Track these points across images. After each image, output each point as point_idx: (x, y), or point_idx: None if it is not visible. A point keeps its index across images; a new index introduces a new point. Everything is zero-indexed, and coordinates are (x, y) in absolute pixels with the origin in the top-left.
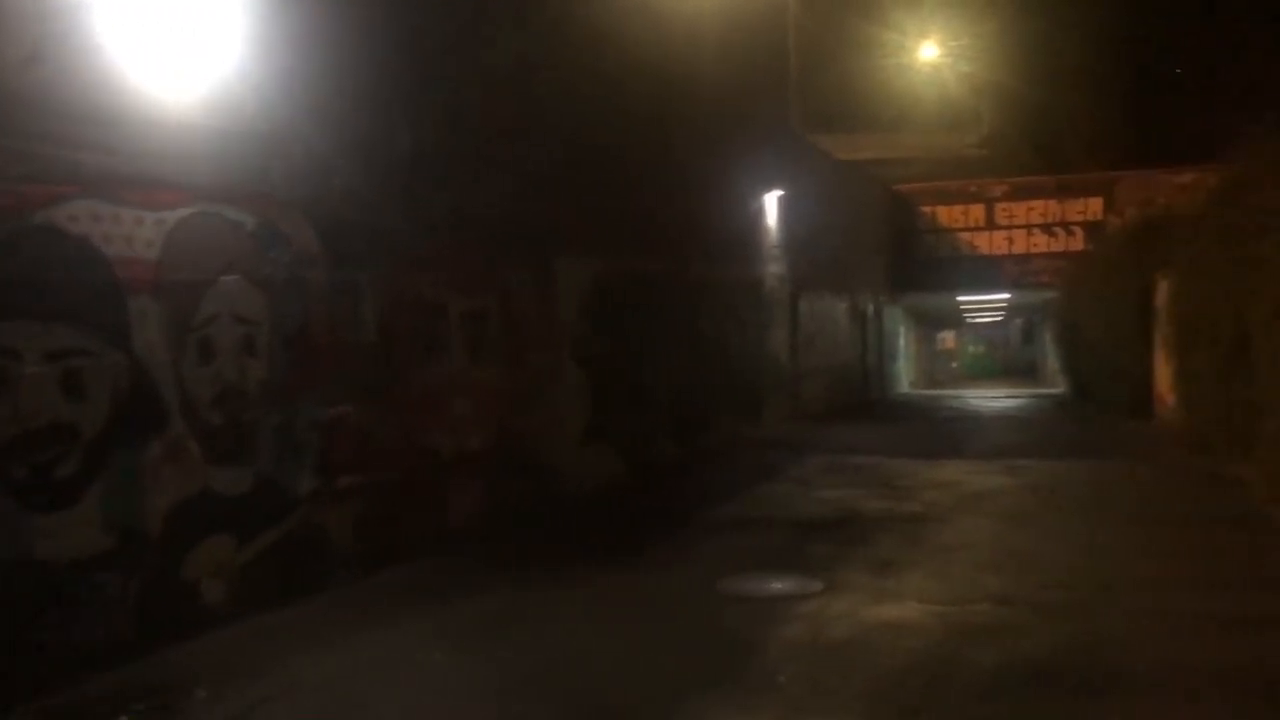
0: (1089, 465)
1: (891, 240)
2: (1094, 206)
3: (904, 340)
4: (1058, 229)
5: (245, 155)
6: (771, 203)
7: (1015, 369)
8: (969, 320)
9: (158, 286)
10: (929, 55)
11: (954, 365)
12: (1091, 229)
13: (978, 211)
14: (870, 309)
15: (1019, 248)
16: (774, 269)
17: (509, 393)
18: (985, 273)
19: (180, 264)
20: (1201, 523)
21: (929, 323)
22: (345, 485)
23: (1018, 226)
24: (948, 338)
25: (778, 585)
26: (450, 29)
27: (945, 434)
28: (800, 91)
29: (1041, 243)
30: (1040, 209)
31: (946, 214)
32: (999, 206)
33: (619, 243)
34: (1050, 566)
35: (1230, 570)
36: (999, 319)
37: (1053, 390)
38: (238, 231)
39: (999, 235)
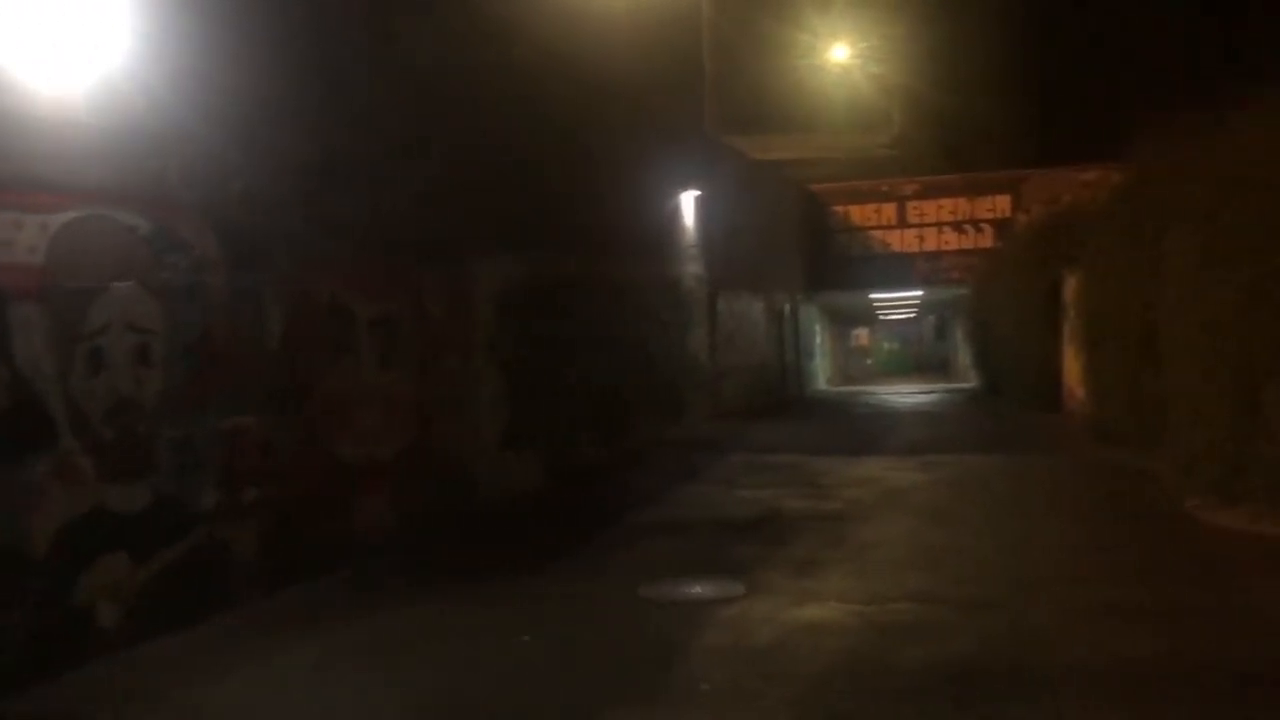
0: (1003, 459)
1: (806, 239)
2: (1002, 204)
3: (820, 338)
4: (967, 226)
5: (138, 156)
6: (688, 203)
7: (928, 365)
8: (883, 317)
9: (42, 293)
10: (839, 57)
11: (869, 362)
12: (1000, 226)
13: (889, 210)
14: (787, 307)
15: (930, 245)
16: (692, 269)
17: (422, 398)
18: (898, 270)
19: (68, 270)
20: (1115, 515)
21: (844, 320)
22: (249, 499)
23: (928, 224)
24: (862, 335)
25: (700, 589)
26: (357, 29)
27: (863, 430)
28: (715, 93)
29: (952, 240)
30: (950, 207)
31: (859, 213)
32: (910, 205)
33: (536, 244)
34: (969, 562)
35: (1145, 562)
36: (912, 316)
37: (965, 385)
38: (131, 235)
39: (910, 233)
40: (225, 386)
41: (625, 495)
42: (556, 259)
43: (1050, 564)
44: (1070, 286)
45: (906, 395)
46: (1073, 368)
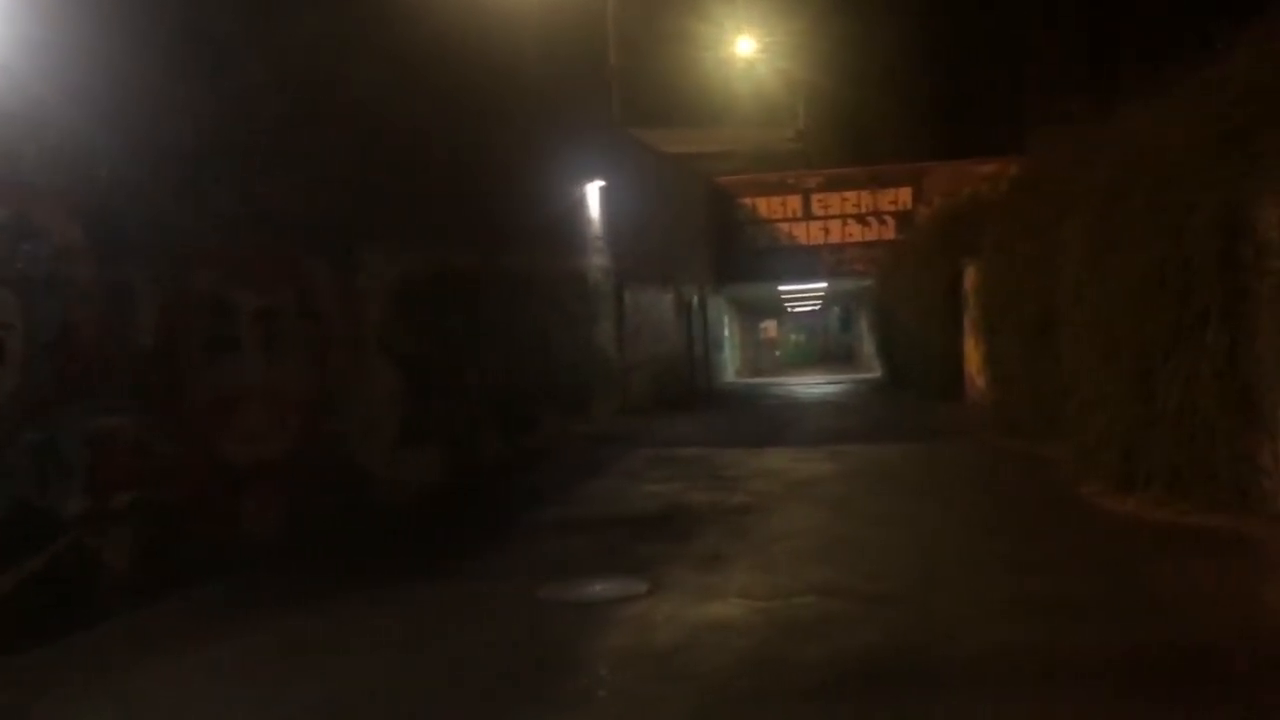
0: (906, 448)
1: (714, 232)
2: (904, 196)
3: (729, 330)
4: (871, 219)
5: None
6: (593, 194)
7: (834, 355)
8: (790, 309)
9: None
10: (745, 51)
11: (777, 353)
12: (902, 218)
13: (795, 202)
14: (695, 300)
15: (835, 237)
16: (598, 261)
17: (312, 395)
18: (804, 262)
19: None
20: (1016, 504)
21: (752, 312)
22: (121, 504)
23: (833, 217)
24: (770, 327)
25: (602, 589)
26: (239, 9)
27: (770, 421)
28: (621, 85)
29: (856, 232)
30: (854, 199)
31: (765, 205)
32: (815, 197)
33: (434, 235)
34: (873, 553)
35: (1045, 551)
36: (817, 308)
37: (870, 375)
38: None
39: (815, 225)
40: (92, 385)
41: (528, 493)
42: (456, 250)
43: (952, 554)
44: (970, 277)
45: (813, 386)
46: (974, 357)
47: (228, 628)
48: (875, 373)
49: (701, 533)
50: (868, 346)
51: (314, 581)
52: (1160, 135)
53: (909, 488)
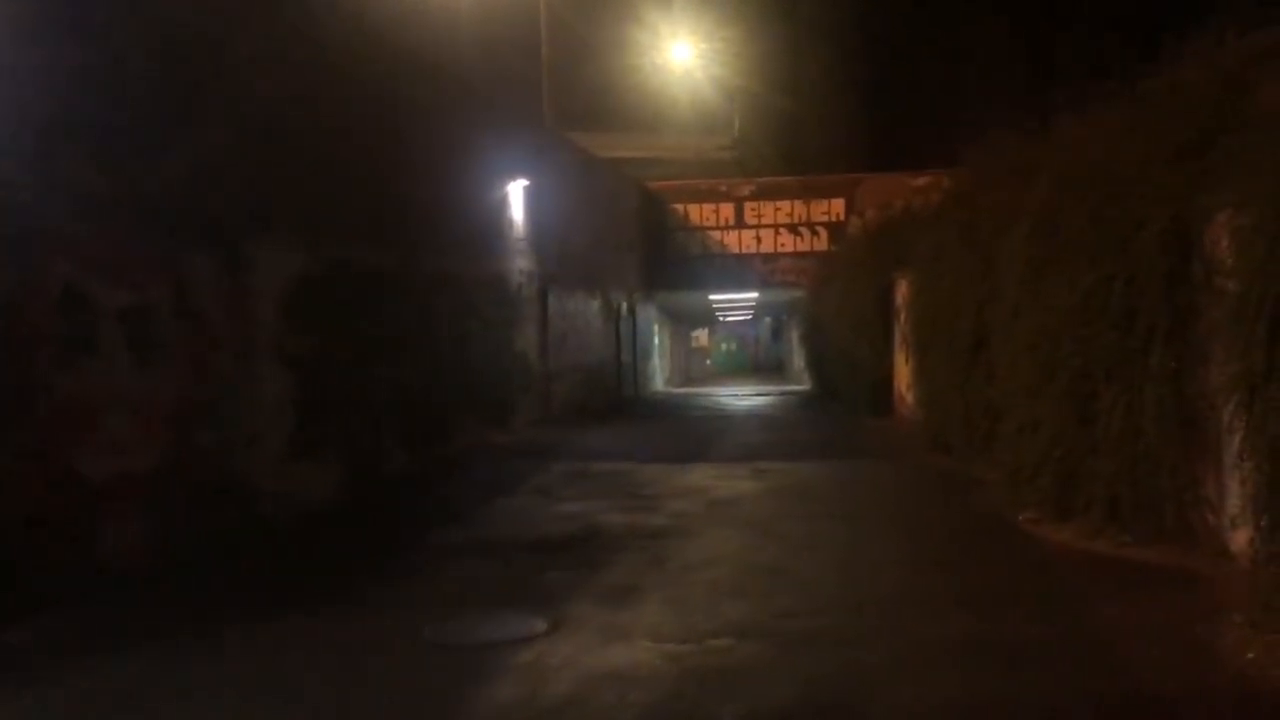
0: (834, 467)
1: (644, 238)
2: (837, 208)
3: (659, 338)
4: (803, 229)
5: None
6: (517, 194)
7: (765, 366)
8: (721, 318)
9: None
10: (681, 57)
11: (708, 362)
12: (835, 229)
13: (727, 210)
14: (624, 306)
15: (767, 247)
16: (521, 264)
17: (188, 402)
18: (736, 271)
19: None
20: (948, 530)
21: (683, 320)
22: None
23: (765, 226)
24: (701, 335)
25: (496, 629)
26: None
27: (696, 435)
28: (555, 86)
29: (788, 242)
30: (786, 209)
31: (698, 212)
32: (748, 206)
33: (340, 230)
34: (797, 586)
35: (979, 586)
36: (749, 317)
37: (800, 387)
38: None
39: (748, 234)
40: None
41: (433, 510)
42: (362, 246)
43: (881, 587)
44: (902, 290)
45: (742, 398)
46: (903, 373)
47: (64, 667)
48: (805, 385)
49: (614, 560)
50: (798, 358)
51: (173, 613)
52: (1105, 147)
53: (836, 510)
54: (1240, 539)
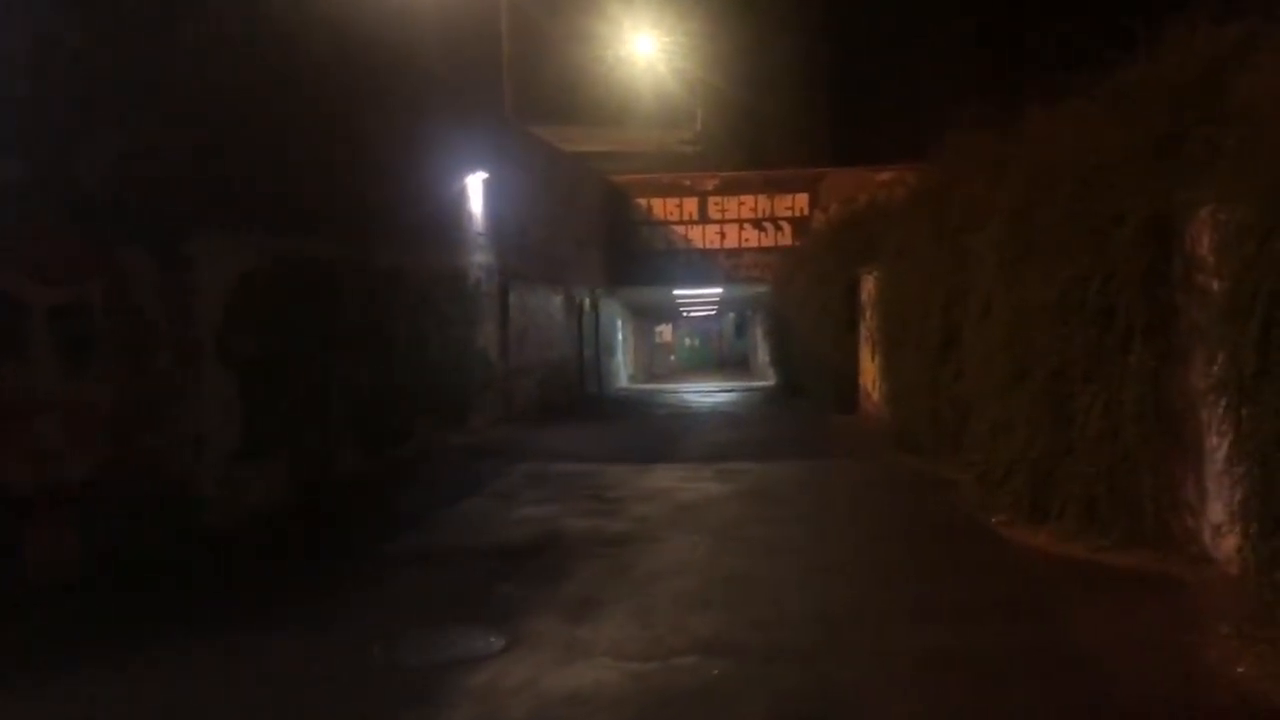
0: (801, 467)
1: (608, 232)
2: (801, 203)
3: (622, 334)
4: (767, 224)
5: None
6: (476, 187)
7: (729, 361)
8: (685, 314)
9: None
10: (644, 51)
11: (672, 358)
12: (799, 224)
13: (691, 205)
14: (587, 302)
15: (731, 242)
16: (480, 259)
17: (126, 405)
18: (700, 266)
19: None
20: (919, 533)
21: (647, 316)
22: None
23: (729, 221)
24: (665, 331)
25: (449, 646)
26: None
27: (660, 433)
28: (518, 79)
29: (752, 237)
30: (750, 204)
31: (661, 206)
32: (711, 200)
33: (287, 222)
34: (765, 596)
35: (954, 593)
36: (713, 313)
37: (764, 383)
38: None
39: (711, 229)
40: None
41: (388, 515)
42: (313, 240)
43: (851, 596)
44: (868, 286)
45: (707, 394)
46: (869, 369)
47: None
48: (770, 381)
49: (576, 569)
50: (762, 354)
51: (103, 631)
52: (1080, 140)
53: (803, 513)
54: (1224, 544)
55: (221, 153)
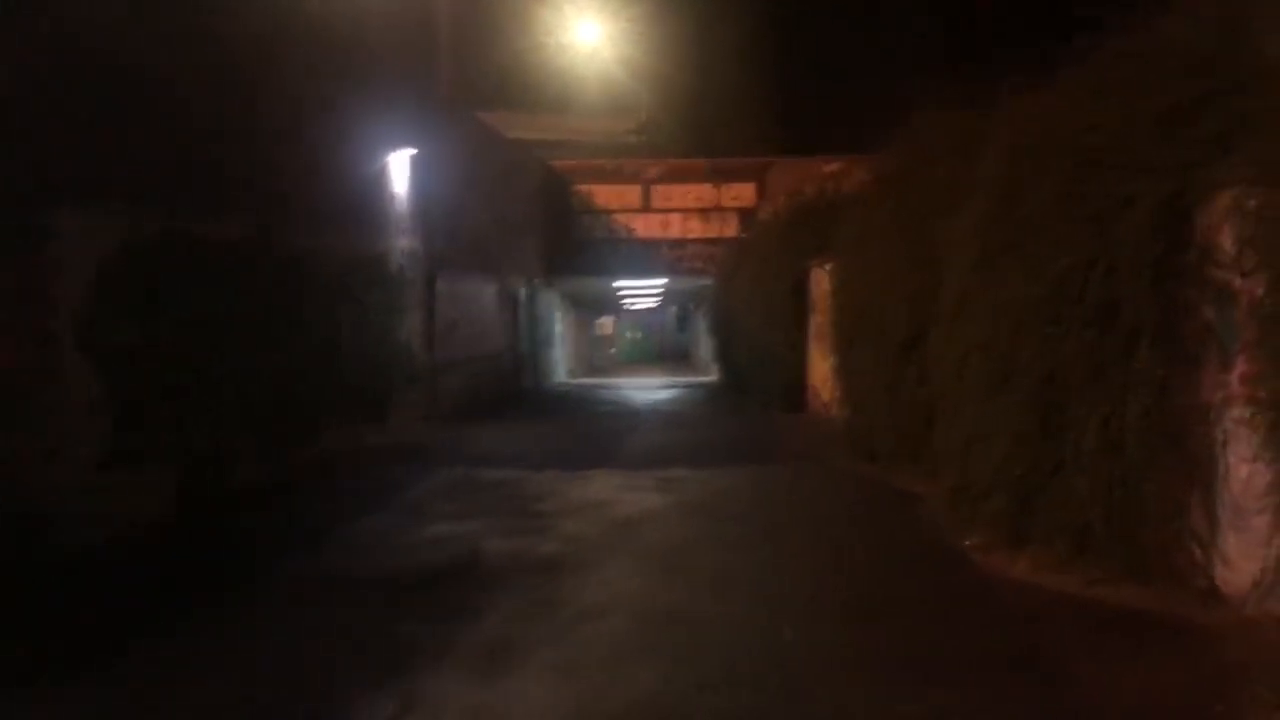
0: (749, 475)
1: (546, 219)
2: (747, 192)
3: (561, 326)
4: (713, 214)
5: None
6: (401, 165)
7: (671, 355)
8: (627, 306)
9: None
10: (588, 37)
11: (613, 351)
12: (745, 215)
13: (634, 193)
14: (523, 292)
15: (675, 232)
16: (404, 243)
17: None
18: (642, 257)
19: None
20: (885, 559)
21: (587, 308)
22: None
23: (674, 210)
24: (606, 323)
25: (325, 717)
26: None
27: (598, 434)
28: (458, 62)
29: (697, 228)
30: (695, 193)
31: (603, 194)
32: (655, 189)
33: (171, 194)
34: (715, 641)
35: (930, 637)
36: (655, 305)
37: (707, 379)
38: None
39: (655, 218)
40: None
41: (280, 533)
42: (202, 216)
43: (815, 642)
44: (818, 280)
45: (649, 390)
46: (820, 367)
47: None
48: (713, 376)
49: (492, 603)
50: (705, 348)
51: None
52: (1077, 112)
53: (754, 532)
54: (1236, 580)
55: (92, 114)
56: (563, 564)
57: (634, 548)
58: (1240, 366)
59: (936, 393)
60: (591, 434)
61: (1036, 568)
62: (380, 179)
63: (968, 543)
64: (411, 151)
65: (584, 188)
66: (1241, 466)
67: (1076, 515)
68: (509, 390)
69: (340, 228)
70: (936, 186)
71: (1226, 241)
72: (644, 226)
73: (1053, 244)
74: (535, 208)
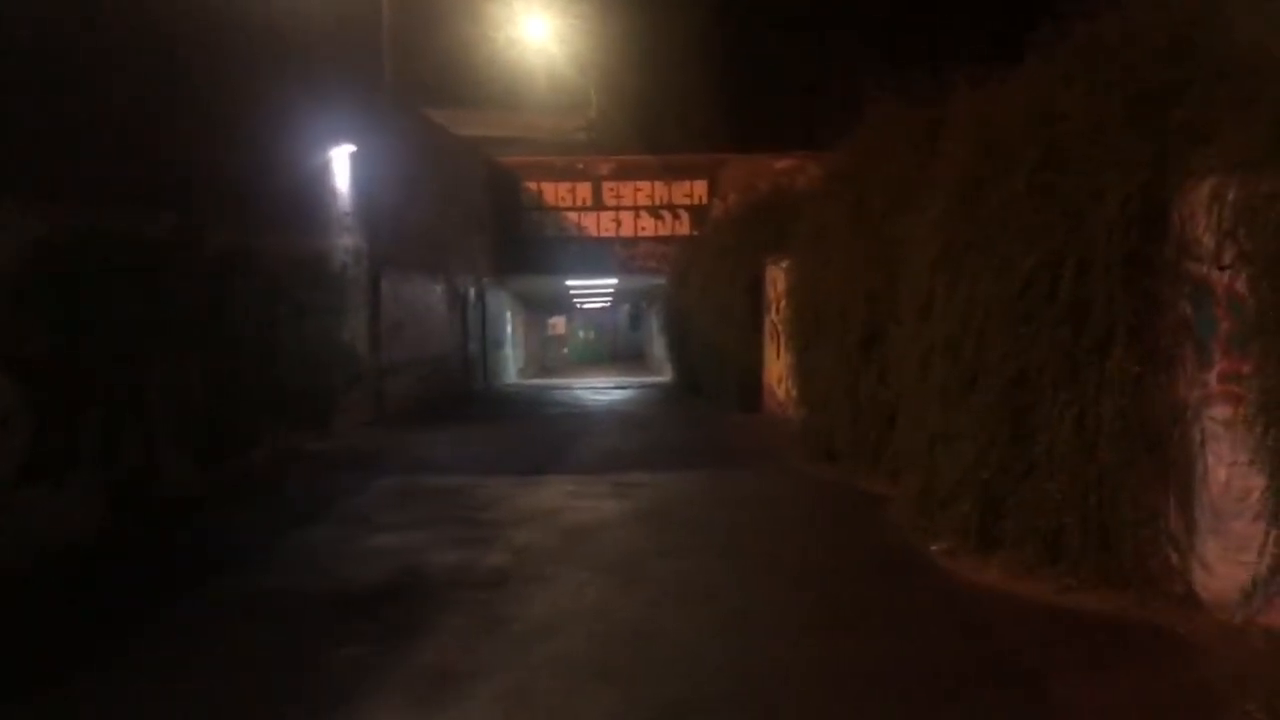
0: (707, 479)
1: (496, 217)
2: (700, 190)
3: (511, 326)
4: (664, 212)
5: None
6: (342, 161)
7: (624, 355)
8: (579, 305)
9: None
10: (537, 33)
11: (565, 351)
12: (698, 213)
13: (585, 190)
14: (472, 292)
15: (627, 230)
16: (347, 242)
17: None
18: (594, 255)
19: None
20: (850, 567)
21: (539, 307)
22: None
23: (625, 208)
24: (559, 323)
25: None
26: None
27: (550, 437)
28: (404, 58)
29: (649, 225)
30: (647, 190)
31: (553, 191)
32: (606, 185)
33: (91, 191)
34: (679, 660)
35: (901, 652)
36: (608, 304)
37: (661, 379)
38: None
39: (607, 216)
40: None
41: (212, 548)
42: (125, 212)
43: (781, 660)
44: (775, 278)
45: (601, 390)
46: (774, 367)
47: None
48: (667, 376)
49: (435, 623)
50: (658, 348)
51: None
52: (1043, 101)
53: (714, 540)
54: (1215, 585)
55: (3, 101)
56: (511, 578)
57: (587, 559)
58: (1219, 364)
59: (898, 393)
60: (543, 437)
61: (1007, 574)
62: (321, 175)
63: (934, 548)
64: (353, 148)
65: (534, 185)
66: (1220, 469)
67: (1048, 519)
68: (458, 392)
69: (279, 225)
70: (894, 182)
71: (1204, 234)
72: (595, 224)
73: (1021, 240)
74: (484, 205)
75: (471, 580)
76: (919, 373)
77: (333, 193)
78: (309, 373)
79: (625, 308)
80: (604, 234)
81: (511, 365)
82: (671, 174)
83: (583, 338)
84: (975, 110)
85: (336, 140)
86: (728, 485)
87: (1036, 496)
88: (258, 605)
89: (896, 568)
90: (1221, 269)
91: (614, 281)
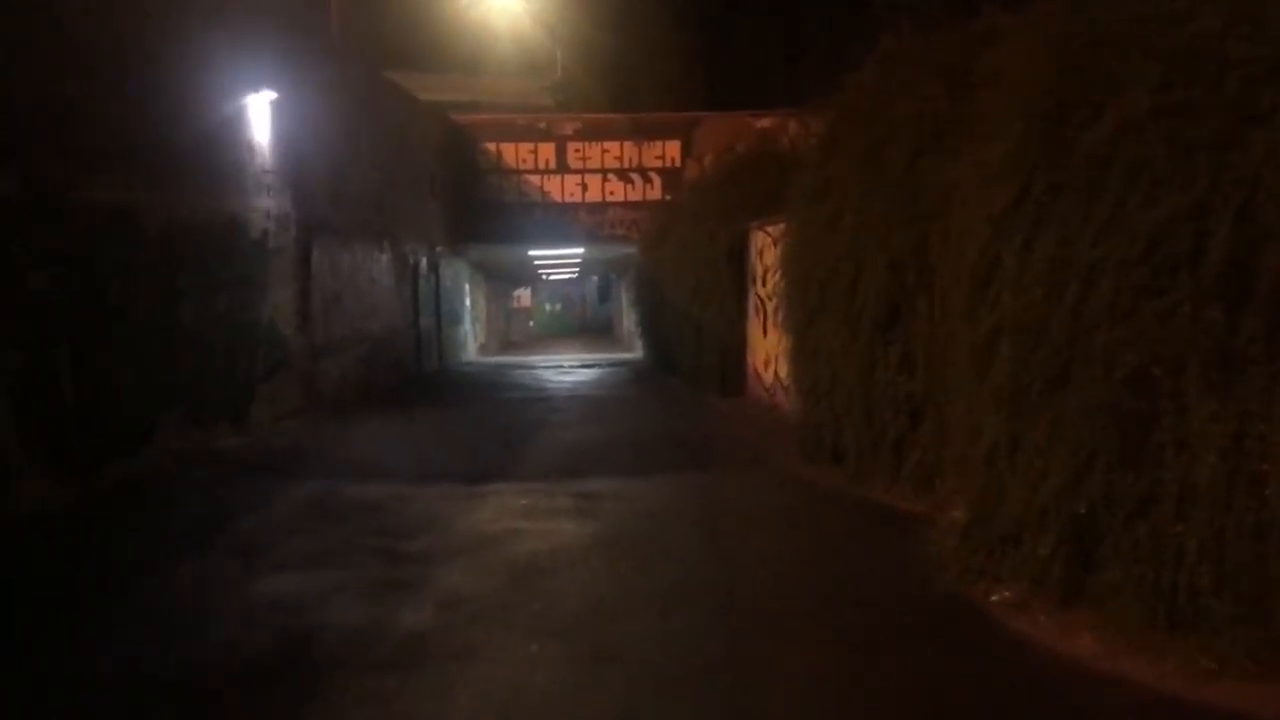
0: (689, 486)
1: (451, 181)
2: (672, 151)
3: (471, 299)
4: (634, 175)
5: None
6: (262, 110)
7: (592, 328)
8: (544, 276)
9: None
10: None
11: (531, 325)
12: (670, 176)
13: (548, 151)
14: (424, 262)
15: (594, 195)
16: (269, 204)
17: None
18: (558, 223)
19: None
20: (885, 627)
21: (503, 279)
22: None
23: (592, 171)
24: (524, 296)
25: None
26: None
27: (503, 428)
28: (358, 18)
29: (618, 190)
30: (615, 151)
31: (514, 153)
32: (571, 146)
33: None
34: None
35: None
36: (575, 275)
37: (631, 355)
38: None
39: (572, 180)
40: None
41: (56, 595)
42: None
43: None
44: (762, 246)
45: (567, 369)
46: (761, 347)
47: None
48: (638, 353)
49: None
50: (628, 320)
51: None
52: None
53: (704, 582)
54: None
55: None
56: (432, 650)
57: (537, 614)
58: None
59: (929, 384)
60: (496, 429)
61: (1106, 644)
62: (233, 126)
63: (995, 598)
64: (274, 95)
65: (492, 146)
66: None
67: (1173, 574)
68: (406, 373)
69: (176, 182)
70: (923, 121)
71: None
72: (560, 189)
73: (1150, 181)
74: (438, 169)
75: (376, 656)
76: (972, 362)
77: (249, 147)
78: (219, 356)
79: (594, 279)
80: (569, 199)
81: (471, 342)
82: (642, 134)
83: (549, 311)
84: (1056, 17)
85: (254, 86)
86: (715, 498)
87: (1157, 541)
88: (92, 698)
89: (949, 630)
90: None
91: (580, 251)
